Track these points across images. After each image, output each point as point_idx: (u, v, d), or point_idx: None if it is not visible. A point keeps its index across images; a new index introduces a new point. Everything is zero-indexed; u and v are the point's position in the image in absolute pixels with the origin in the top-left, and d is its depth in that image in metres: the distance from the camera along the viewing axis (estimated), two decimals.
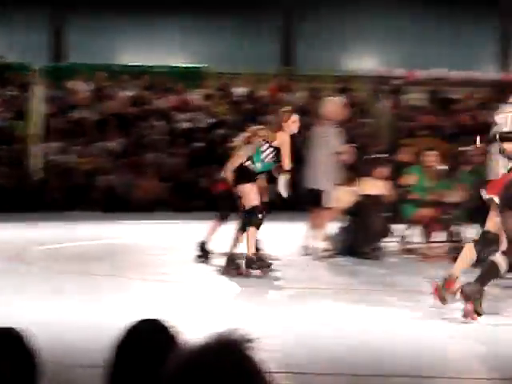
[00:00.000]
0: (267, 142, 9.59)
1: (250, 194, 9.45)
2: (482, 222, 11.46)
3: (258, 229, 9.43)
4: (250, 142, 10.02)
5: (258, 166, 9.60)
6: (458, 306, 7.23)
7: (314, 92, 19.78)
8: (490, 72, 23.76)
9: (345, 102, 11.51)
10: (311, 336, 6.67)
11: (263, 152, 9.59)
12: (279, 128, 9.56)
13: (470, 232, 11.66)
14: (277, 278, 9.46)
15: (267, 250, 10.19)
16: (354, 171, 11.23)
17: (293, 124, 9.63)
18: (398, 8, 25.45)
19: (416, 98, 21.32)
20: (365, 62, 25.13)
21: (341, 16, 25.33)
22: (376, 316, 7.51)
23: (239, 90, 21.06)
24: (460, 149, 12.31)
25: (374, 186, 10.10)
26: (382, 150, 13.00)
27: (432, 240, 11.57)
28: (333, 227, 10.98)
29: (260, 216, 9.36)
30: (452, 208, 11.71)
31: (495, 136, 9.43)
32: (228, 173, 9.96)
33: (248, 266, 9.40)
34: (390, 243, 10.74)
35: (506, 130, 9.43)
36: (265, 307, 8.02)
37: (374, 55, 25.88)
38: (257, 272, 9.42)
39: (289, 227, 12.44)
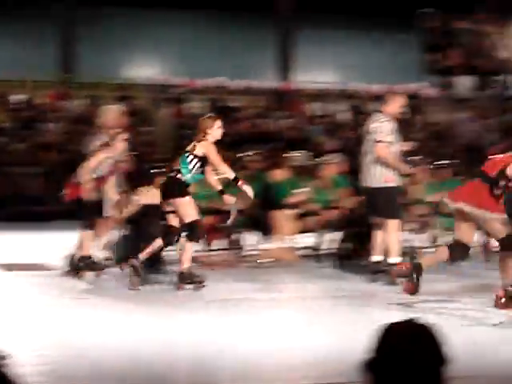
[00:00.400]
0: (191, 152, 9.32)
1: (188, 209, 9.17)
2: (263, 229, 11.78)
3: (196, 243, 9.36)
4: (108, 145, 9.89)
5: (189, 177, 9.32)
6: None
7: (94, 100, 19.53)
8: (269, 81, 24.34)
9: (124, 110, 11.34)
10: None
11: (189, 163, 9.28)
12: (204, 136, 9.29)
13: (251, 239, 11.92)
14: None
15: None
16: (134, 180, 11.09)
17: (217, 130, 9.40)
18: (181, 18, 25.61)
19: (197, 106, 21.51)
20: (147, 70, 25.10)
21: (123, 24, 25.17)
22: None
23: (17, 98, 20.48)
24: (238, 155, 12.50)
25: (154, 196, 10.01)
26: (162, 159, 12.95)
27: (212, 248, 11.65)
28: (113, 236, 10.81)
29: (199, 231, 9.27)
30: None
31: (370, 143, 9.88)
32: (85, 177, 9.77)
33: (182, 281, 9.21)
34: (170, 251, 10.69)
35: (379, 137, 9.89)
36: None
37: (156, 64, 25.90)
38: (190, 286, 9.25)
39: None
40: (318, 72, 24.69)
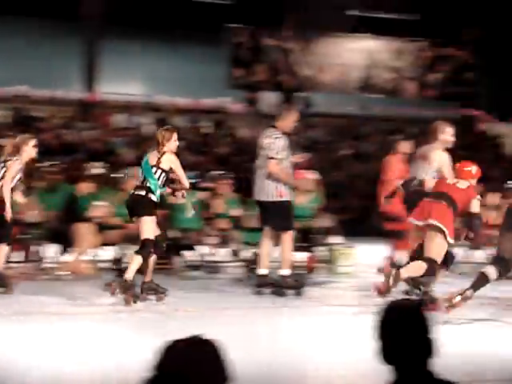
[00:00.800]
0: (158, 166, 9.26)
1: (148, 227, 9.22)
2: (65, 241, 11.54)
3: (144, 260, 9.28)
4: (16, 153, 9.61)
5: (158, 193, 9.33)
6: None
7: None
8: (74, 91, 23.90)
9: None
10: None
11: (158, 178, 9.28)
12: (162, 149, 9.24)
13: (51, 251, 11.66)
14: None
15: None
16: None
17: (174, 143, 9.34)
18: None
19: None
20: None
21: None
22: None
23: None
24: (37, 165, 12.22)
25: None
26: None
27: (11, 260, 11.31)
28: None
29: (151, 250, 9.28)
30: (31, 227, 11.56)
31: (263, 158, 10.03)
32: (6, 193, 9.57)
33: (124, 291, 9.11)
34: None
35: (271, 154, 9.93)
36: None
37: None
38: (154, 297, 9.42)
39: None
40: (124, 84, 24.47)
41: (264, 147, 10.08)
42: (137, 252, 9.26)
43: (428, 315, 2.98)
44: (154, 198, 9.27)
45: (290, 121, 10.34)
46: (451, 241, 8.82)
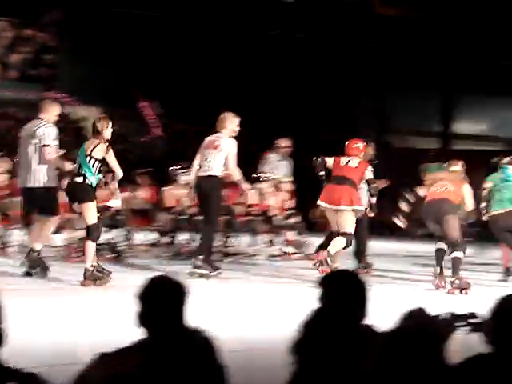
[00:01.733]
0: (91, 156, 9.78)
1: (91, 212, 9.89)
2: None
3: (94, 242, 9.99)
4: None
5: (93, 180, 9.89)
6: None
7: None
8: None
9: None
10: None
11: (92, 166, 9.82)
12: (98, 137, 9.82)
13: None
14: None
15: None
16: None
17: (109, 130, 9.95)
18: None
19: None
20: None
21: None
22: None
23: None
24: None
25: None
26: None
27: None
28: None
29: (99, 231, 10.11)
30: None
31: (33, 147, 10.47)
32: None
33: (86, 277, 9.79)
34: None
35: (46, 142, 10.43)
36: None
37: None
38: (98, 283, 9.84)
39: None
40: None
41: (35, 136, 10.47)
42: (87, 238, 9.89)
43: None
44: (91, 183, 9.83)
45: (54, 113, 10.99)
46: (361, 208, 10.99)
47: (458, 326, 3.39)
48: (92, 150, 9.85)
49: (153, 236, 13.91)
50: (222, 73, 27.09)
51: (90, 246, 9.88)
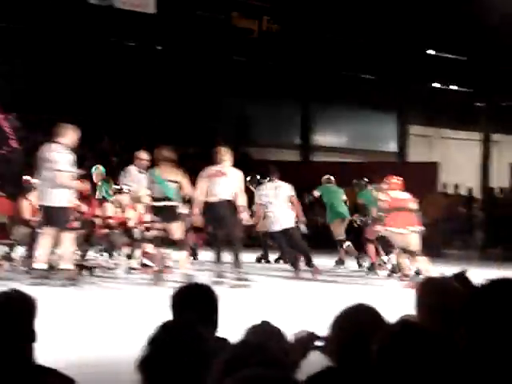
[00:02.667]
0: None
1: None
2: None
3: None
4: None
5: None
6: None
7: None
8: None
9: None
10: None
11: None
12: None
13: None
14: None
15: None
16: None
17: None
18: None
19: None
20: None
21: None
22: None
23: None
24: None
25: None
26: None
27: None
28: None
29: None
30: None
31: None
32: None
33: None
34: None
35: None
36: None
37: None
38: None
39: None
40: None
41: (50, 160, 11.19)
42: None
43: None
44: None
45: (73, 137, 11.46)
46: None
47: (316, 347, 3.32)
48: None
49: (6, 249, 13.55)
50: (80, 85, 26.72)
51: None
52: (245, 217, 12.64)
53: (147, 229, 13.32)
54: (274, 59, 29.52)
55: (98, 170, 14.74)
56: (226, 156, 12.46)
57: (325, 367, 3.08)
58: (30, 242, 12.89)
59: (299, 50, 29.62)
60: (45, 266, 11.35)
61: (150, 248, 13.46)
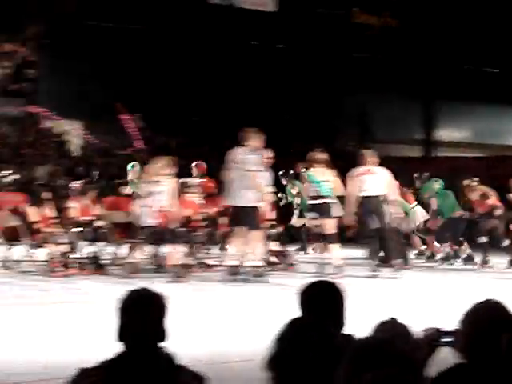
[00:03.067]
0: None
1: None
2: None
3: None
4: None
5: None
6: None
7: None
8: None
9: None
10: None
11: None
12: None
13: None
14: None
15: None
16: None
17: None
18: None
19: None
20: None
21: None
22: None
23: None
24: None
25: None
26: None
27: None
28: None
29: None
30: None
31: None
32: None
33: None
34: None
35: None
36: None
37: None
38: None
39: None
40: None
41: (241, 161, 11.94)
42: None
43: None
44: None
45: (259, 141, 12.34)
46: None
47: (444, 343, 3.30)
48: None
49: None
50: (203, 86, 27.12)
51: None
52: (396, 210, 13.81)
53: (272, 226, 13.49)
54: (394, 55, 29.25)
55: (135, 168, 14.84)
56: (371, 158, 13.42)
57: (455, 363, 3.07)
58: (156, 241, 13.18)
59: (420, 44, 29.25)
60: (236, 263, 12.02)
61: (275, 246, 13.67)
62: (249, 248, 12.08)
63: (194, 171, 14.91)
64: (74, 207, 12.86)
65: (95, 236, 12.75)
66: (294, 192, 16.73)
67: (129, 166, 14.80)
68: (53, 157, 21.65)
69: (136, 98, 25.81)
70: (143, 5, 25.88)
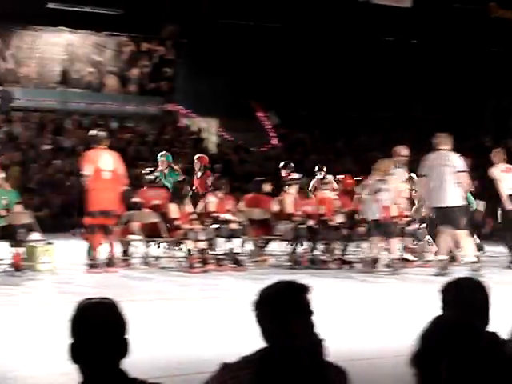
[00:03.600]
0: None
1: None
2: None
3: None
4: None
5: None
6: None
7: None
8: None
9: None
10: None
11: None
12: None
13: None
14: None
15: None
16: None
17: None
18: None
19: None
20: None
21: None
22: None
23: None
24: None
25: None
26: None
27: None
28: None
29: None
30: None
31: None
32: None
33: None
34: None
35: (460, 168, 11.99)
36: None
37: None
38: None
39: None
40: None
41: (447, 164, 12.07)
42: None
43: (122, 315, 2.86)
44: None
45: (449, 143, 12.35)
46: None
47: None
48: None
49: (273, 246, 14.00)
50: (339, 82, 27.04)
51: None
52: None
53: (408, 223, 13.38)
54: None
55: (163, 157, 14.82)
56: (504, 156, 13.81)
57: None
58: (294, 238, 13.25)
59: None
60: (445, 258, 12.27)
61: (410, 242, 13.58)
62: (458, 246, 12.60)
63: (197, 164, 14.76)
64: (212, 202, 13.07)
65: (232, 233, 12.90)
66: None
67: (158, 156, 14.94)
68: (190, 155, 22.00)
69: (271, 95, 25.96)
70: (277, 2, 26.02)
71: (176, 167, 14.83)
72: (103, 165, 12.19)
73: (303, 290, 3.07)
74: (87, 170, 12.14)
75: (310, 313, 3.07)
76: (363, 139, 27.10)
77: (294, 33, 26.74)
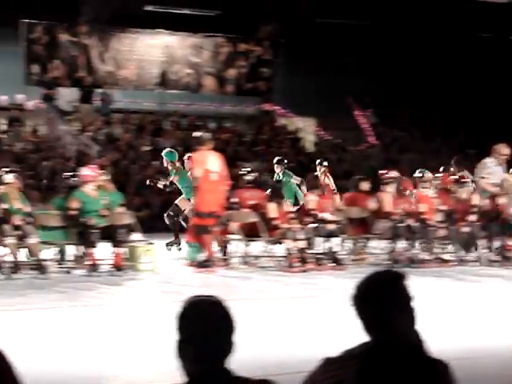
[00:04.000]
0: None
1: None
2: None
3: None
4: None
5: None
6: None
7: None
8: None
9: None
10: None
11: None
12: None
13: None
14: None
15: None
16: None
17: None
18: None
19: None
20: None
21: None
22: None
23: None
24: None
25: None
26: None
27: None
28: None
29: None
30: None
31: None
32: None
33: None
34: None
35: None
36: None
37: None
38: None
39: None
40: None
41: None
42: None
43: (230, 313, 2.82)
44: None
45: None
46: None
47: None
48: None
49: (372, 244, 13.93)
50: (432, 79, 26.71)
51: None
52: None
53: None
54: None
55: (174, 155, 14.70)
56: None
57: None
58: (392, 236, 13.14)
59: None
60: None
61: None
62: None
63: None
64: (312, 200, 13.09)
65: (330, 232, 12.88)
66: None
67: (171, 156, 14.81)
68: (288, 154, 22.04)
69: (368, 93, 25.80)
70: (372, 0, 25.86)
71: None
72: (211, 166, 12.33)
73: (400, 276, 3.05)
74: (197, 172, 12.28)
75: (409, 299, 3.03)
76: (461, 137, 26.69)
77: (391, 31, 26.52)
